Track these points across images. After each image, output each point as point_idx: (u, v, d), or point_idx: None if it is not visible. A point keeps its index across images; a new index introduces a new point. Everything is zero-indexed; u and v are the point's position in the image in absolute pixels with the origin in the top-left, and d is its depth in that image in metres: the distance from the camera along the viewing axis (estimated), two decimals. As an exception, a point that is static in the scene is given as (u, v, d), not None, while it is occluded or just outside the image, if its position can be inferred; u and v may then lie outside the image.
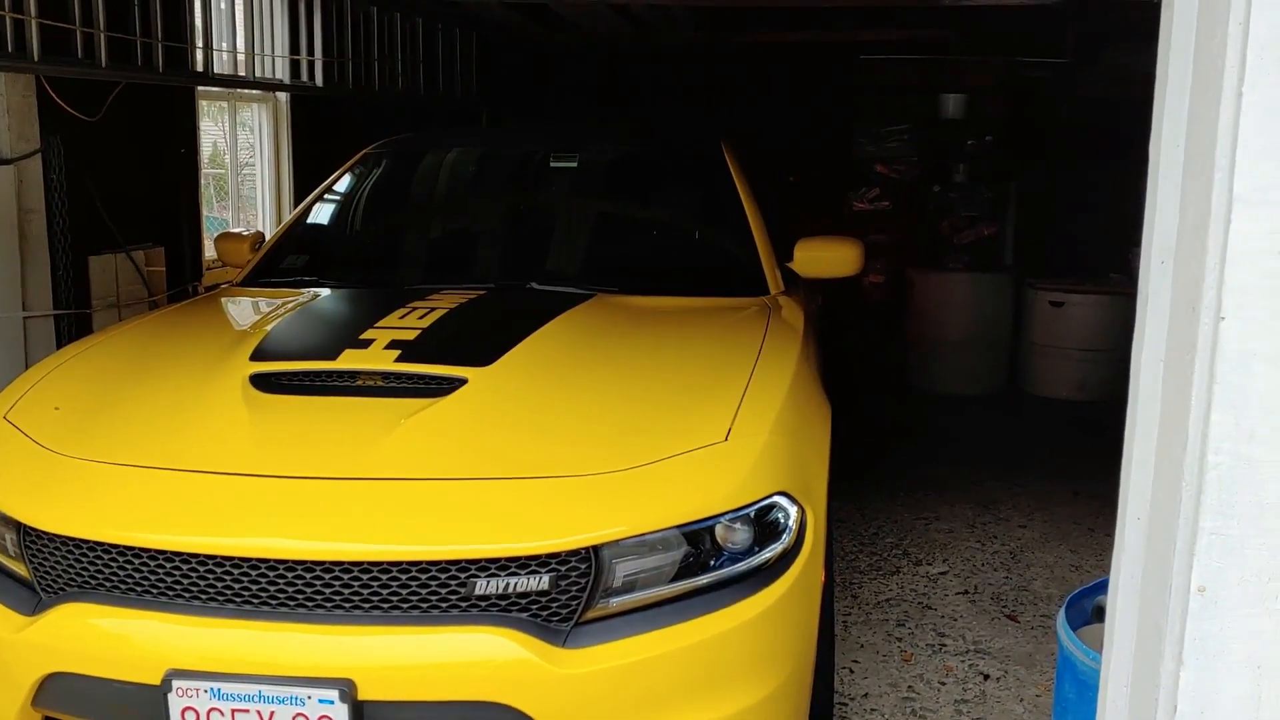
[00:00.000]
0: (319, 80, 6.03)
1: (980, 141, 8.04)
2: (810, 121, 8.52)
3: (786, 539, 2.33)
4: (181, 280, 5.14)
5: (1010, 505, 5.02)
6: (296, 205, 6.17)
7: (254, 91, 5.86)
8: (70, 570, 2.30)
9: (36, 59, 3.91)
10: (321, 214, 4.19)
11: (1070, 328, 7.15)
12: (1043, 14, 6.96)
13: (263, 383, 2.64)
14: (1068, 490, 5.24)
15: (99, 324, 4.49)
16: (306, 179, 6.16)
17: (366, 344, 2.77)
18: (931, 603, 3.94)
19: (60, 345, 4.30)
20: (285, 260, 3.91)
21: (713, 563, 2.27)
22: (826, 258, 3.76)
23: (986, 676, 3.40)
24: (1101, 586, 2.30)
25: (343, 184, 4.25)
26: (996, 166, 8.06)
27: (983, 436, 6.32)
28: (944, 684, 3.35)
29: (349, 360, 2.70)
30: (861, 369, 7.23)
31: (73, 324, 4.36)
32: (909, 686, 3.33)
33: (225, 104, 5.86)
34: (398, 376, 2.65)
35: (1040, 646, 3.60)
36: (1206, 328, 1.43)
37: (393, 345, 2.75)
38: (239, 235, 4.11)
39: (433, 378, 2.62)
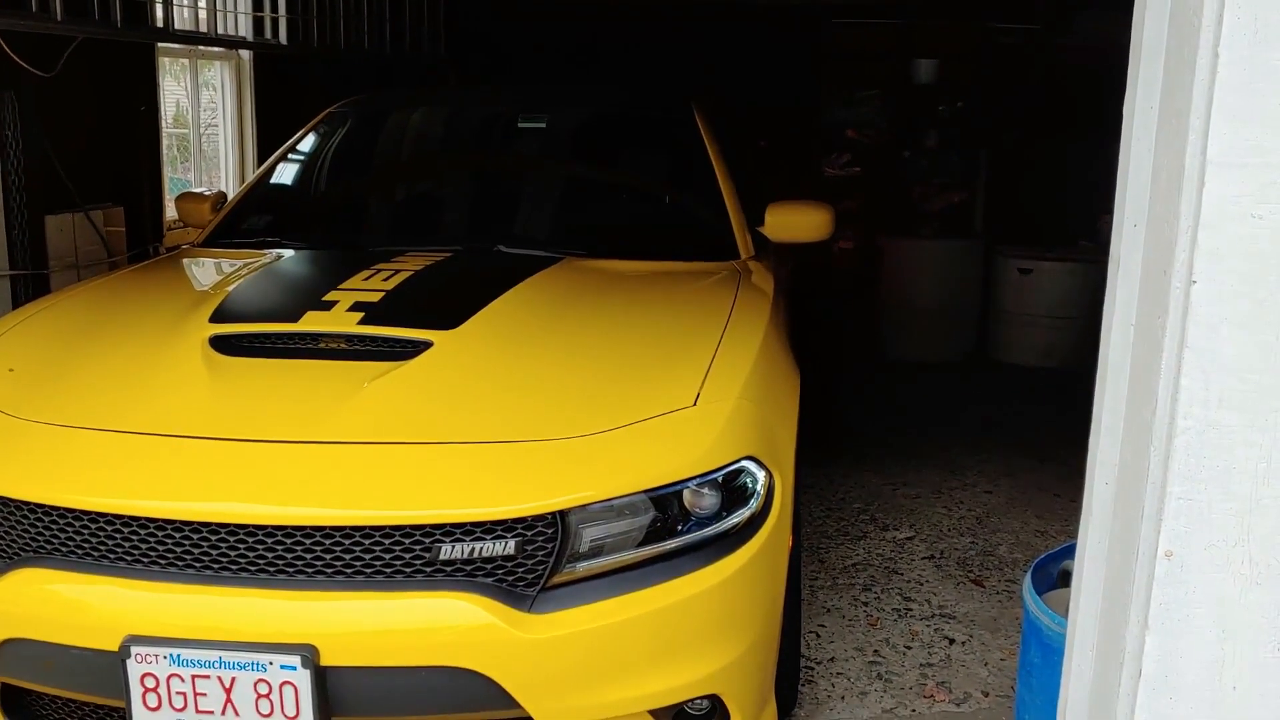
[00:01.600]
0: (283, 38, 5.93)
1: (951, 107, 8.03)
2: (781, 86, 8.47)
3: (754, 504, 2.32)
4: (142, 241, 5.05)
5: (977, 471, 5.05)
6: (260, 165, 6.08)
7: (216, 49, 5.75)
8: (26, 535, 2.26)
9: (-11, 12, 3.82)
10: (285, 174, 4.12)
11: (1038, 295, 7.18)
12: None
13: (223, 344, 2.60)
14: (1034, 457, 5.27)
15: (57, 285, 4.40)
16: (270, 139, 6.06)
17: (329, 306, 2.73)
18: (898, 568, 3.95)
19: (17, 306, 4.22)
20: (247, 221, 3.84)
21: (680, 528, 2.25)
22: (797, 222, 3.73)
23: (952, 641, 3.42)
24: (1067, 551, 2.30)
25: (306, 143, 4.18)
26: (967, 133, 8.05)
27: (951, 403, 6.33)
28: (909, 648, 3.37)
29: (311, 322, 2.66)
30: (830, 335, 7.23)
31: (29, 285, 4.27)
32: (875, 651, 3.34)
33: (187, 62, 5.74)
34: (361, 339, 2.61)
35: (1005, 611, 3.62)
36: (1178, 292, 1.41)
37: (356, 307, 2.70)
38: (200, 195, 4.04)
39: (397, 340, 2.59)
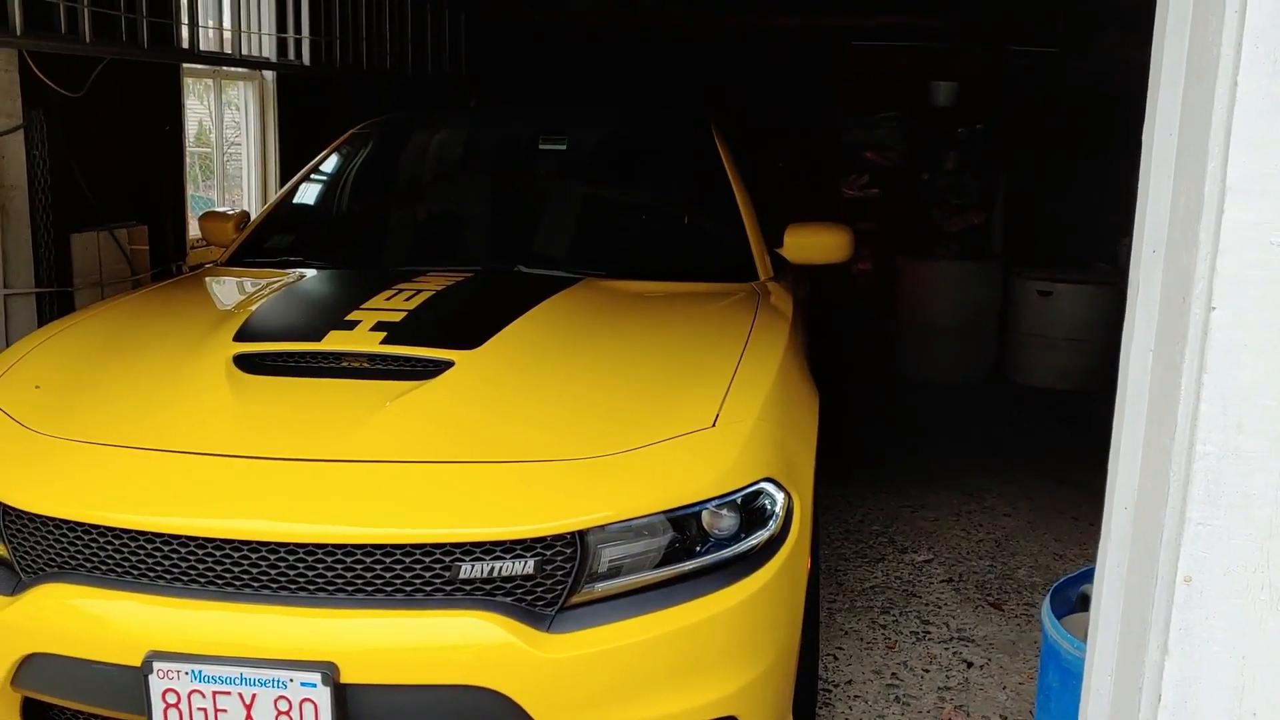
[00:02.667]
0: (306, 59, 5.98)
1: (970, 129, 8.04)
2: (800, 107, 8.50)
3: (773, 525, 2.33)
4: (165, 259, 5.10)
5: (996, 494, 5.04)
6: (283, 185, 6.13)
7: (240, 70, 5.81)
8: (50, 550, 2.28)
9: (19, 33, 3.86)
10: (308, 194, 4.16)
11: (1057, 317, 7.17)
12: (1033, 2, 6.97)
13: (246, 363, 2.62)
14: (1052, 479, 5.25)
15: (81, 302, 4.44)
16: (293, 158, 6.12)
17: (352, 325, 2.75)
18: (916, 590, 3.94)
19: (42, 324, 4.26)
20: (270, 240, 3.88)
21: (699, 548, 2.26)
22: (816, 243, 3.75)
23: (970, 664, 3.41)
24: (1086, 575, 2.30)
25: (329, 164, 4.22)
26: (986, 155, 8.06)
27: (969, 425, 6.32)
28: (927, 671, 3.36)
29: (334, 341, 2.68)
30: (849, 356, 7.23)
31: (55, 302, 4.32)
32: (893, 674, 3.34)
33: (211, 82, 5.80)
34: (383, 358, 2.64)
35: (1024, 635, 3.61)
36: (1197, 318, 1.42)
37: (379, 327, 2.73)
38: (224, 214, 4.08)
39: (419, 360, 2.61)
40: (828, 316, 5.74)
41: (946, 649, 3.50)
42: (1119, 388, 1.64)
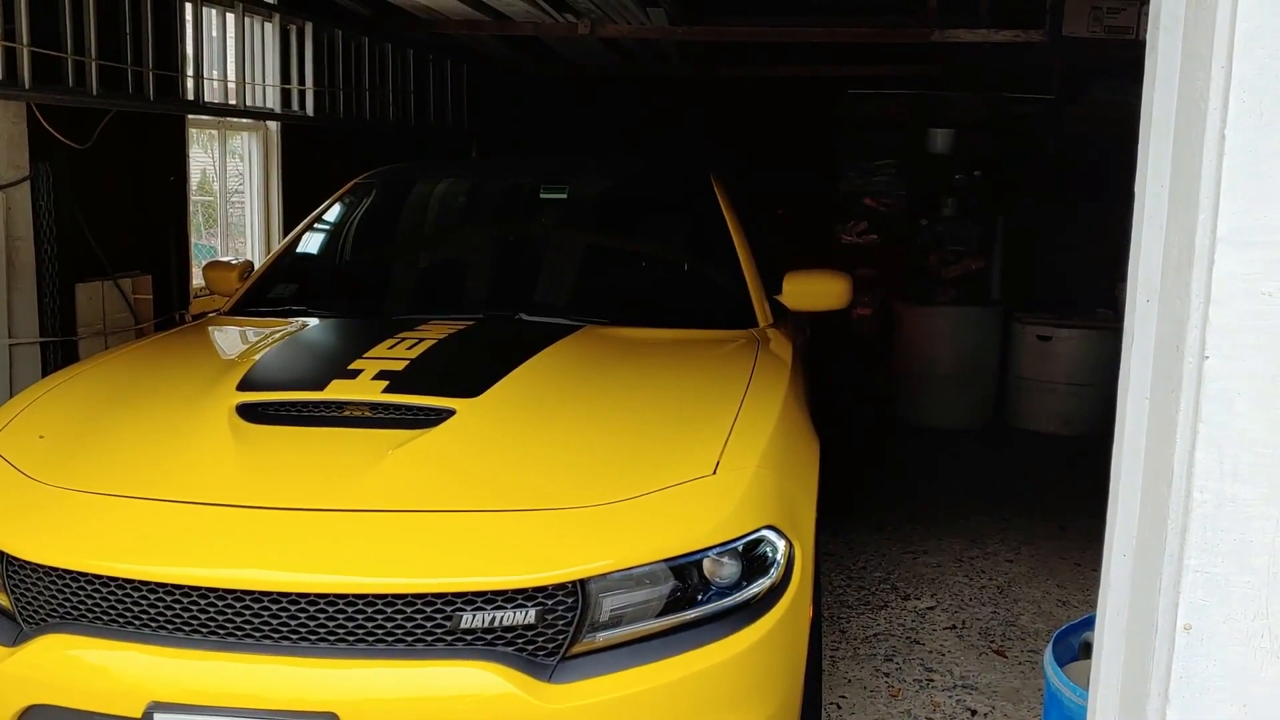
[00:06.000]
0: (310, 110, 6.05)
1: (968, 176, 8.10)
2: (798, 155, 8.57)
3: (774, 573, 2.33)
4: (169, 308, 5.13)
5: (998, 540, 5.02)
6: (285, 233, 6.17)
7: (244, 120, 5.87)
8: (52, 600, 2.28)
9: (28, 86, 3.91)
10: (311, 243, 4.20)
11: (1057, 362, 7.19)
12: (1029, 51, 7.04)
13: (249, 413, 2.63)
14: (1054, 525, 5.24)
15: (85, 352, 4.46)
16: (295, 207, 6.17)
17: (354, 374, 2.77)
18: (919, 638, 3.93)
19: (46, 373, 4.28)
20: (274, 289, 3.91)
21: (700, 597, 2.26)
22: (815, 291, 3.77)
23: (974, 712, 3.39)
24: (1088, 623, 2.30)
25: (332, 213, 4.26)
26: (983, 201, 8.12)
27: (969, 470, 6.32)
28: (932, 719, 3.34)
29: (336, 391, 2.70)
30: (848, 402, 7.24)
31: (59, 352, 4.34)
32: (896, 722, 3.32)
33: (215, 132, 5.87)
34: (385, 407, 2.65)
35: (1027, 682, 3.59)
36: (1191, 366, 1.43)
37: (381, 375, 2.74)
38: (227, 264, 4.11)
39: (420, 408, 2.62)
40: (826, 362, 5.76)
41: (950, 697, 3.49)
42: (1116, 435, 1.65)
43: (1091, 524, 5.19)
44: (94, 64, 4.23)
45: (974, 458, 6.65)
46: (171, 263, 5.14)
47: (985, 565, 4.71)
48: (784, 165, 8.36)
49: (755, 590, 2.30)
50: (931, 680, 3.60)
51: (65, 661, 2.24)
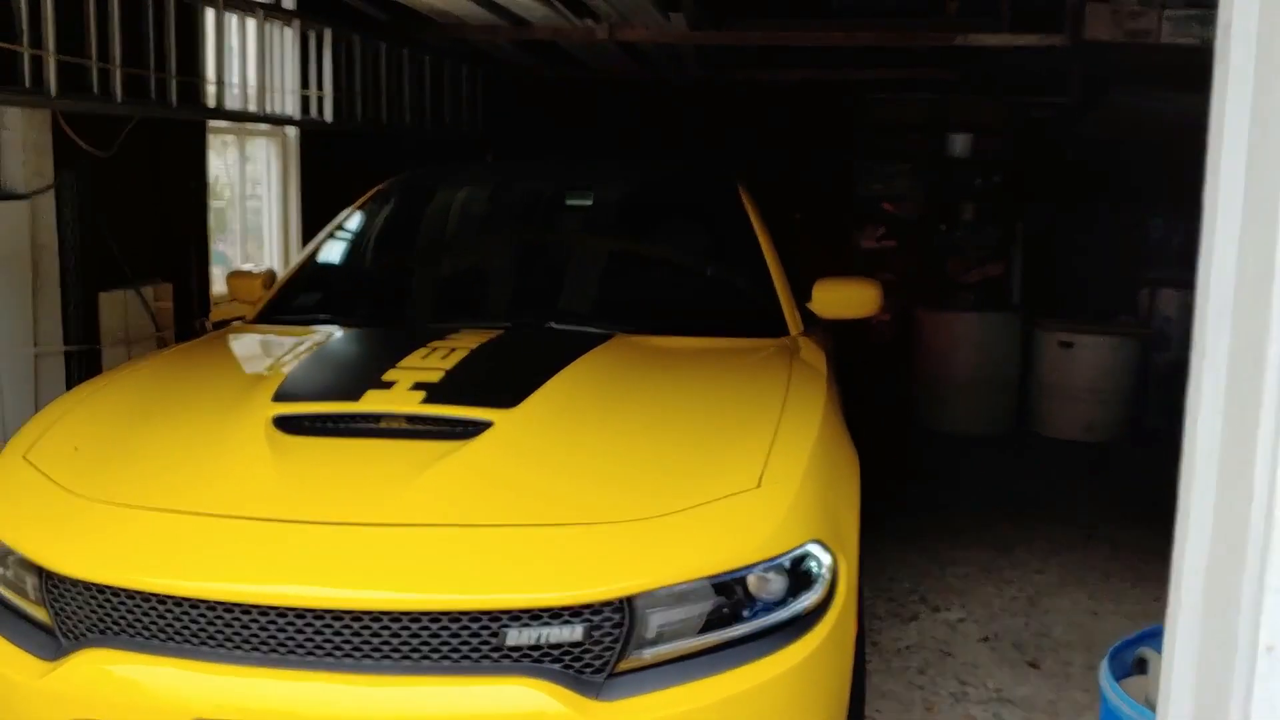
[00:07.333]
0: (328, 115, 6.03)
1: (987, 181, 8.06)
2: (815, 159, 8.54)
3: (820, 589, 2.30)
4: (188, 316, 5.11)
5: (1025, 549, 4.98)
6: (304, 239, 6.16)
7: (262, 126, 5.86)
8: (93, 616, 2.26)
9: (55, 94, 3.90)
10: (334, 251, 4.16)
11: (1080, 369, 7.13)
12: (1048, 55, 7.00)
13: (286, 425, 2.60)
14: (1080, 533, 5.20)
15: (108, 361, 4.45)
16: (313, 212, 6.16)
17: (389, 385, 2.74)
18: (952, 650, 3.89)
19: (70, 382, 4.26)
20: (298, 298, 3.88)
21: (746, 613, 2.23)
22: (845, 298, 3.74)
23: (1010, 725, 3.35)
24: (1142, 638, 2.26)
25: (356, 220, 4.22)
26: (1003, 206, 8.08)
27: (993, 478, 6.28)
28: (968, 733, 3.30)
29: (372, 402, 2.67)
30: (868, 409, 7.20)
31: (82, 361, 4.32)
32: (933, 735, 3.28)
33: (232, 138, 5.85)
34: (421, 419, 2.62)
35: (1063, 694, 3.55)
36: (1272, 384, 1.40)
37: (417, 387, 2.71)
38: (250, 273, 4.10)
39: (458, 420, 2.58)
40: (849, 370, 5.72)
41: (985, 709, 3.45)
42: (1184, 452, 1.61)
43: (1119, 533, 5.17)
44: (119, 71, 4.21)
45: (996, 465, 6.60)
46: (192, 270, 5.12)
47: (1013, 575, 4.66)
48: (801, 171, 8.32)
49: (801, 606, 2.26)
50: (966, 693, 3.56)
51: (107, 677, 2.21)
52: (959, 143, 8.15)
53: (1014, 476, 6.33)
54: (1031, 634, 4.04)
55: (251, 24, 5.43)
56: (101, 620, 2.25)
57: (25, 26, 3.79)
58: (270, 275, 4.07)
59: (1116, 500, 5.76)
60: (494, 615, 2.10)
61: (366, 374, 2.88)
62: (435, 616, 2.10)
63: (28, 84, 3.82)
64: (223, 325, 4.12)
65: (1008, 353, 7.36)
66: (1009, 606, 4.30)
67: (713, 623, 2.20)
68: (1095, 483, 6.14)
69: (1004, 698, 3.53)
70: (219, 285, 5.49)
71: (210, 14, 4.96)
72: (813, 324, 3.71)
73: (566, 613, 2.11)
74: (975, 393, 7.32)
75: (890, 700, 3.48)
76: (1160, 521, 5.23)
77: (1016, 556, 4.88)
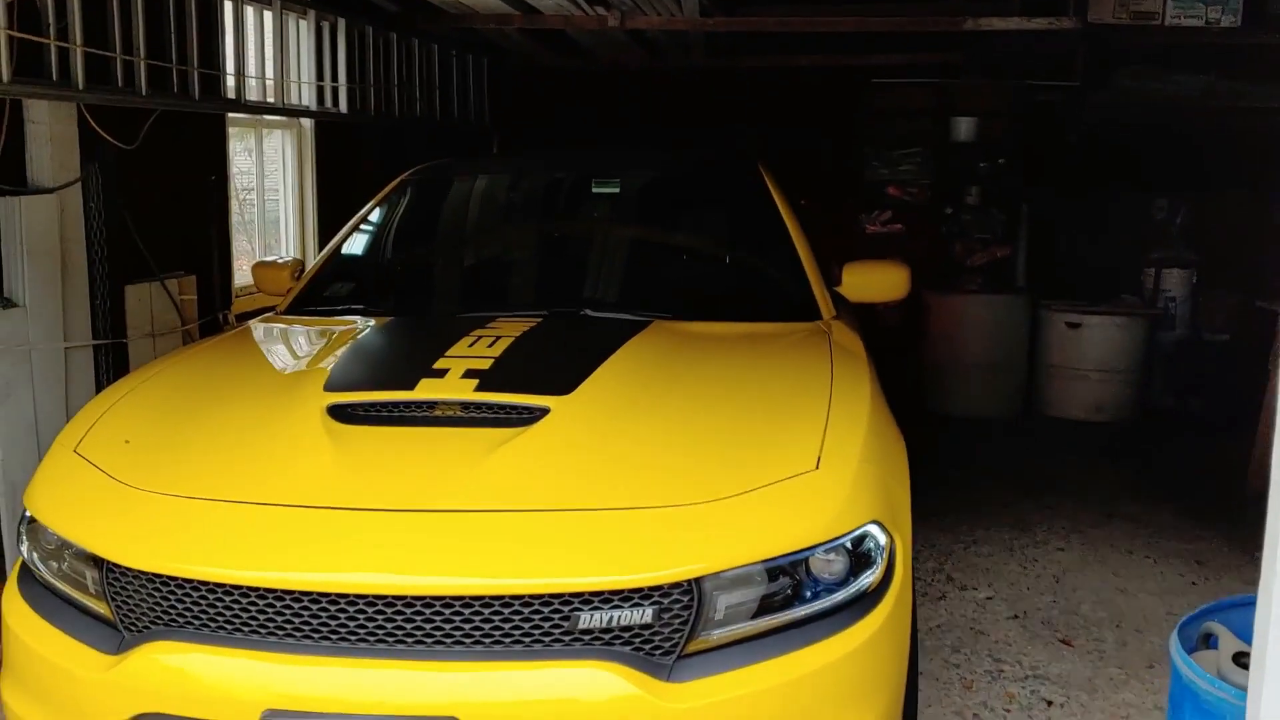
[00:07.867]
0: (343, 106, 6.02)
1: (992, 164, 8.07)
2: (821, 144, 8.55)
3: (879, 568, 2.32)
4: (211, 309, 5.10)
5: (1046, 528, 5.02)
6: (321, 230, 6.15)
7: (279, 118, 5.84)
8: (156, 608, 2.26)
9: (81, 87, 3.88)
10: (362, 241, 4.16)
11: (1087, 349, 7.18)
12: (1053, 38, 7.02)
13: (341, 413, 2.61)
14: (1099, 512, 5.24)
15: (135, 354, 4.44)
16: (329, 203, 6.15)
17: (441, 373, 2.74)
18: (983, 628, 3.92)
19: (98, 376, 4.26)
20: (330, 288, 3.88)
21: (809, 594, 2.25)
22: (875, 281, 3.77)
23: (1050, 703, 3.38)
24: (1207, 613, 2.29)
25: (381, 211, 4.22)
26: (1008, 189, 8.09)
27: (1005, 459, 6.32)
28: (1009, 711, 3.34)
29: (426, 390, 2.68)
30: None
31: (109, 354, 4.31)
32: (974, 715, 3.31)
33: (249, 130, 5.83)
34: (475, 406, 2.63)
35: (1099, 671, 3.58)
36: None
37: (470, 374, 2.72)
38: (277, 264, 4.09)
39: (514, 407, 2.60)
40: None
41: (1023, 688, 3.48)
42: (1277, 436, 1.63)
43: (1138, 511, 5.21)
44: (143, 63, 4.19)
45: (1008, 446, 6.65)
46: (215, 262, 5.11)
47: (1037, 554, 4.70)
48: (808, 155, 8.32)
49: (862, 586, 2.29)
50: (1002, 671, 3.60)
51: (173, 670, 2.21)
52: (964, 126, 8.14)
53: (1026, 457, 6.37)
54: (1060, 611, 4.08)
55: (269, 15, 5.41)
56: (165, 612, 2.25)
57: (51, 19, 3.77)
58: (298, 265, 4.06)
59: (1130, 479, 5.80)
60: (565, 599, 2.11)
61: (418, 362, 2.88)
62: (507, 601, 2.12)
63: (54, 77, 3.81)
64: (246, 318, 4.11)
65: (1016, 335, 7.41)
66: (1035, 585, 4.34)
67: (777, 604, 2.22)
68: (1107, 462, 6.19)
69: (1040, 675, 3.56)
70: (240, 278, 5.49)
71: (229, 6, 4.94)
72: (844, 308, 3.73)
73: (637, 595, 2.13)
74: (984, 374, 7.37)
75: (928, 679, 3.51)
76: (1179, 499, 5.28)
77: (1038, 535, 4.92)
